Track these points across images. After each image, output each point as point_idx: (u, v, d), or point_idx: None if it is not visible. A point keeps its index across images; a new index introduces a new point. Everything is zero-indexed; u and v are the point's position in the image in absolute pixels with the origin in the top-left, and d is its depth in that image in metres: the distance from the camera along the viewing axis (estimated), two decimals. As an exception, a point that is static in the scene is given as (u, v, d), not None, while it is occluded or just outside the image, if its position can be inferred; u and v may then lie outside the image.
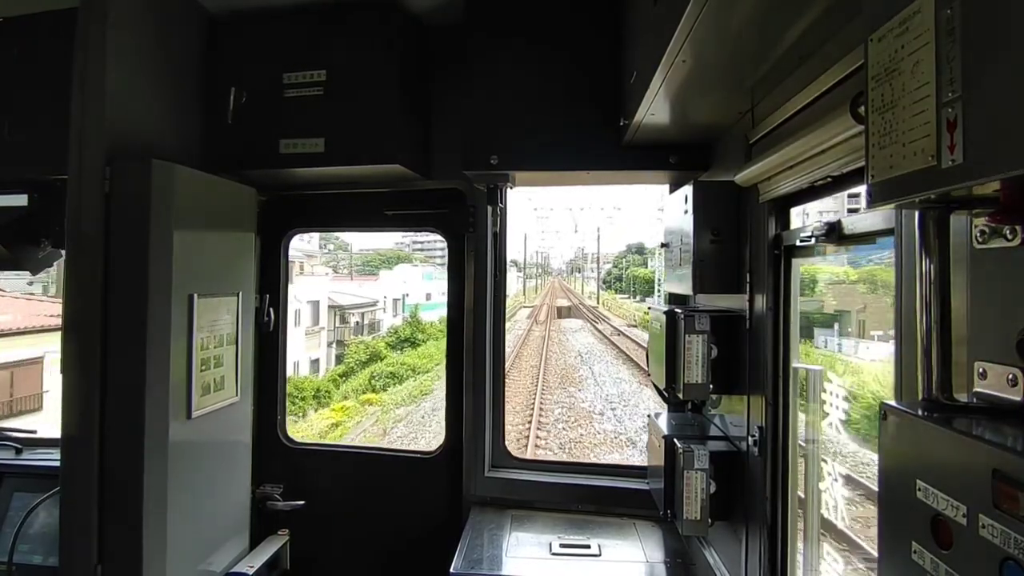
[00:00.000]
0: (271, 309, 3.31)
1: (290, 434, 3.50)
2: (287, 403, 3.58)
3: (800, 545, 2.01)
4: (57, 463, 2.30)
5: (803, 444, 2.03)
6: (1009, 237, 0.95)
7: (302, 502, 3.21)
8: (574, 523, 3.00)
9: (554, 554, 2.69)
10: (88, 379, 2.24)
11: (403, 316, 34.76)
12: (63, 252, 2.47)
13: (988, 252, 1.00)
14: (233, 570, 2.77)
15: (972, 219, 1.02)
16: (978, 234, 1.01)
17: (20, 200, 3.00)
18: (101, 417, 2.25)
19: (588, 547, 2.74)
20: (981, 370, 1.01)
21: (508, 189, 3.12)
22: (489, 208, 3.12)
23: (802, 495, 2.03)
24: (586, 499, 3.12)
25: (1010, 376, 0.95)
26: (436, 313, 30.86)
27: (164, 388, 2.33)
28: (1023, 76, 0.69)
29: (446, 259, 3.37)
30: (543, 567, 2.60)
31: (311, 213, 3.47)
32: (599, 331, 29.72)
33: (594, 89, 2.72)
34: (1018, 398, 0.94)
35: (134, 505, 2.24)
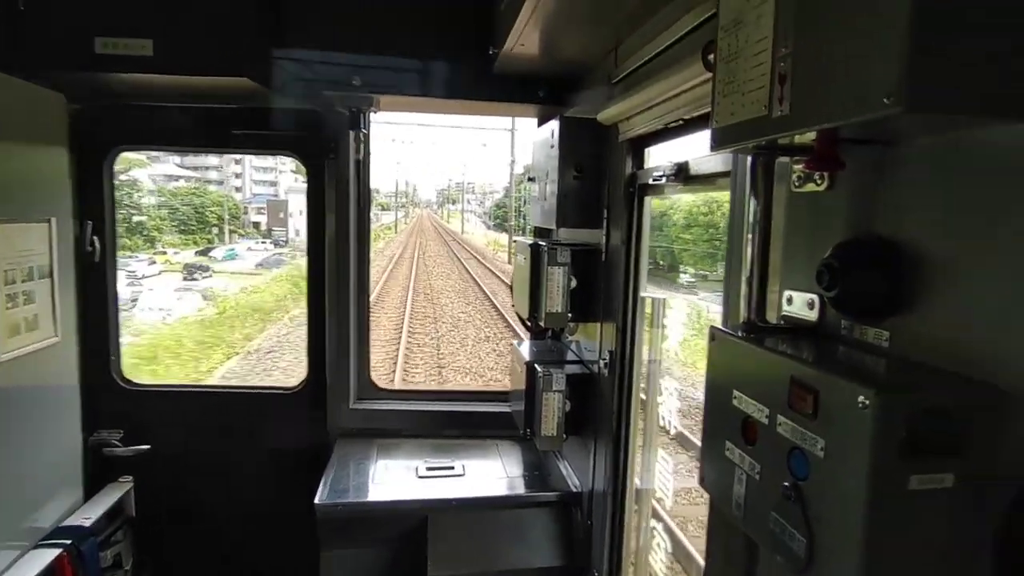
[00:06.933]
0: (95, 237, 2.89)
1: (127, 376, 3.17)
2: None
3: (639, 449, 2.28)
4: None
5: (646, 364, 2.27)
6: (819, 182, 1.10)
7: (147, 446, 2.98)
8: (440, 448, 3.11)
9: (420, 477, 2.79)
10: None
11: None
12: None
13: (802, 195, 1.16)
14: (66, 523, 2.53)
15: (792, 165, 1.16)
16: (796, 179, 1.16)
17: None
18: None
19: (453, 468, 2.88)
20: (789, 296, 1.19)
21: (372, 114, 2.96)
22: (351, 133, 2.94)
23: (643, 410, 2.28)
24: (451, 424, 3.25)
25: (809, 301, 1.13)
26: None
27: None
28: (838, 38, 0.78)
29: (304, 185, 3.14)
30: (409, 489, 2.70)
31: (141, 128, 2.99)
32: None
33: (465, 13, 2.61)
34: (814, 318, 1.12)
35: None
